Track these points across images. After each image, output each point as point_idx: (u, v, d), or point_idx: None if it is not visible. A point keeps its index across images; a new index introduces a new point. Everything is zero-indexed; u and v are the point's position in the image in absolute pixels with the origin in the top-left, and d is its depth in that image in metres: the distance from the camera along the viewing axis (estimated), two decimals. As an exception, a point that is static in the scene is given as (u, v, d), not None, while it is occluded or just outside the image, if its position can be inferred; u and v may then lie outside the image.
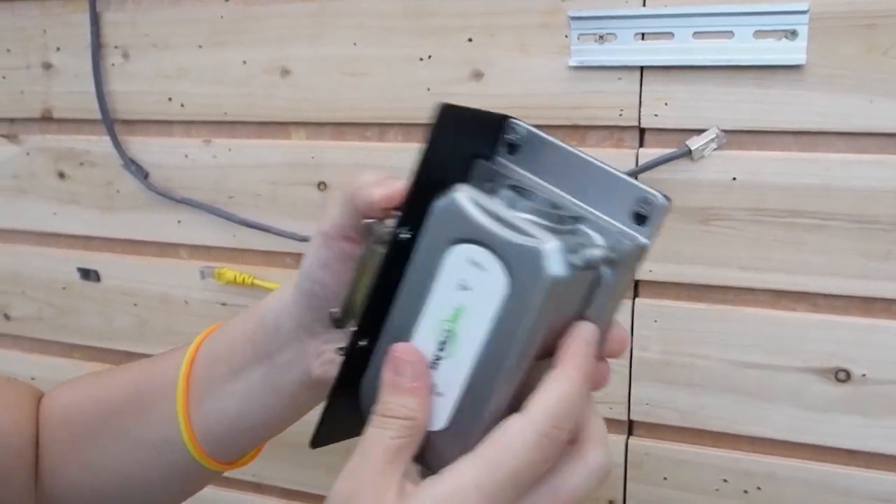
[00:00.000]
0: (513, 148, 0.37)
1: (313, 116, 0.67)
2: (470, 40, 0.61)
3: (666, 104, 0.57)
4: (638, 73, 0.57)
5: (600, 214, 0.35)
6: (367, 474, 0.31)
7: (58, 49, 0.74)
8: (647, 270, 0.60)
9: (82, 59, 0.73)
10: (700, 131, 0.56)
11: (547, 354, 0.32)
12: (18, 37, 0.75)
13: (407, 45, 0.62)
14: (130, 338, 0.79)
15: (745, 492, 0.61)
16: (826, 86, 0.53)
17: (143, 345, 0.79)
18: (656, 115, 0.57)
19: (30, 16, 0.74)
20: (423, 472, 0.33)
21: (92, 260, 0.79)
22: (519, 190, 0.34)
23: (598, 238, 0.34)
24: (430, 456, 0.33)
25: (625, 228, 0.34)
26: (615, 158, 0.58)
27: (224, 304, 0.74)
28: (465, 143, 0.36)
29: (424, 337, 0.33)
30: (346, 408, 0.36)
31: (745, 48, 0.53)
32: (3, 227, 0.82)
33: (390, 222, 0.35)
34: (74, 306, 0.81)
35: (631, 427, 0.64)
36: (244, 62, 0.68)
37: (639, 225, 0.34)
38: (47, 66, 0.75)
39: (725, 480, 0.62)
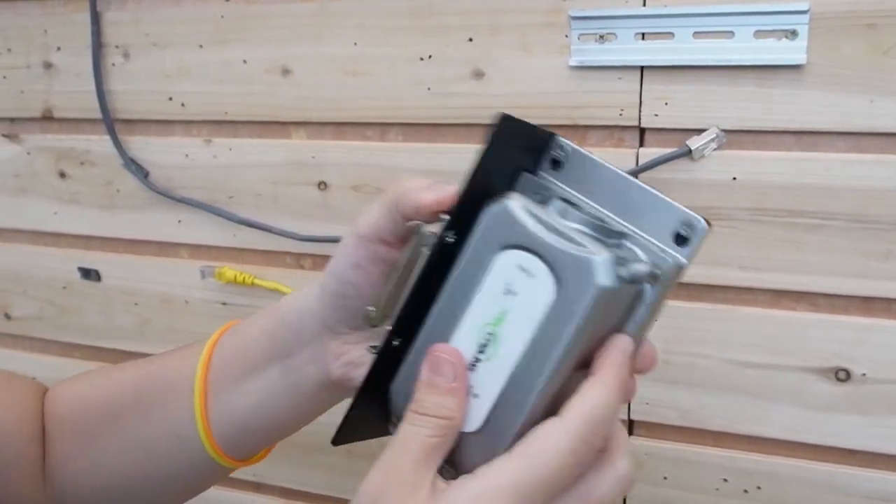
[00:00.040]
0: (556, 164, 0.38)
1: (314, 116, 0.67)
2: (471, 40, 0.61)
3: (666, 104, 0.57)
4: (638, 73, 0.57)
5: (640, 232, 0.36)
6: (401, 470, 0.32)
7: (58, 48, 0.74)
8: (648, 270, 0.60)
9: (83, 58, 0.73)
10: (700, 131, 0.56)
11: (583, 366, 0.33)
12: (19, 36, 0.75)
13: (408, 45, 0.63)
14: (131, 337, 0.79)
15: (746, 491, 0.61)
16: (826, 86, 0.53)
17: (143, 344, 0.79)
18: (656, 115, 0.57)
19: (31, 15, 0.74)
20: (448, 471, 0.33)
21: (92, 259, 0.79)
22: (568, 202, 0.35)
23: (641, 254, 0.35)
24: (459, 456, 0.33)
25: (665, 248, 0.35)
26: (615, 158, 0.58)
27: (224, 304, 0.74)
28: (515, 155, 0.37)
29: (464, 339, 0.33)
30: (370, 408, 0.37)
31: (745, 48, 0.53)
32: (4, 226, 0.82)
33: (433, 226, 0.36)
34: (75, 306, 0.81)
35: (631, 427, 0.64)
36: (245, 62, 0.68)
37: (679, 246, 0.35)
38: (48, 66, 0.75)
39: (726, 480, 0.62)
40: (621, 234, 0.35)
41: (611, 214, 0.36)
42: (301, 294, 0.43)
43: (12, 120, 0.79)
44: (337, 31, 0.64)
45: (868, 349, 0.56)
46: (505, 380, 0.32)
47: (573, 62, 0.58)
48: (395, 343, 0.35)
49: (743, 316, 0.59)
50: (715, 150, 0.56)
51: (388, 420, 0.36)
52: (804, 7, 0.52)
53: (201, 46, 0.69)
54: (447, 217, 0.35)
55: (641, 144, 0.59)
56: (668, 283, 0.35)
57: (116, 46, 0.72)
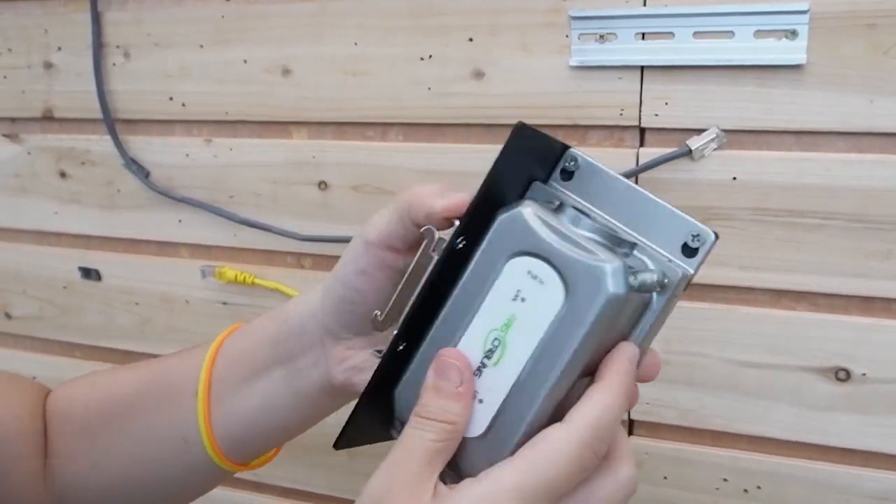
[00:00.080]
0: (567, 175, 0.38)
1: (314, 116, 0.67)
2: (471, 40, 0.61)
3: (666, 104, 0.57)
4: (638, 73, 0.57)
5: (649, 243, 0.36)
6: (405, 475, 0.32)
7: (59, 48, 0.74)
8: (648, 270, 0.60)
9: (84, 58, 0.73)
10: (700, 131, 0.56)
11: (588, 373, 0.33)
12: (20, 36, 0.75)
13: (408, 45, 0.63)
14: (131, 337, 0.79)
15: (746, 491, 0.61)
16: (827, 85, 0.53)
17: (144, 344, 0.79)
18: (657, 115, 0.57)
19: (31, 15, 0.74)
20: (452, 476, 0.33)
21: (93, 259, 0.79)
22: (580, 211, 0.35)
23: (650, 264, 0.35)
24: (461, 461, 0.34)
25: (673, 258, 0.35)
26: (616, 158, 0.58)
27: (225, 304, 0.74)
28: (528, 165, 0.37)
29: (470, 344, 0.34)
30: (373, 412, 0.37)
31: (745, 48, 0.53)
32: (5, 226, 0.82)
33: (444, 232, 0.36)
34: (75, 305, 0.81)
35: (631, 426, 0.64)
36: (245, 61, 0.68)
37: (686, 256, 0.35)
38: (48, 66, 0.75)
39: (725, 479, 0.62)
40: (631, 244, 0.36)
41: (621, 225, 0.37)
42: (305, 298, 0.43)
43: (13, 120, 0.79)
44: (337, 31, 0.64)
45: (868, 349, 0.56)
46: (510, 385, 0.33)
47: (573, 62, 0.58)
48: (401, 347, 0.36)
49: (743, 316, 0.59)
50: (715, 150, 0.56)
51: (391, 425, 0.37)
52: (804, 7, 0.52)
53: (202, 46, 0.69)
54: (458, 223, 0.35)
55: (642, 144, 0.59)
56: (675, 292, 0.35)
57: (117, 46, 0.72)
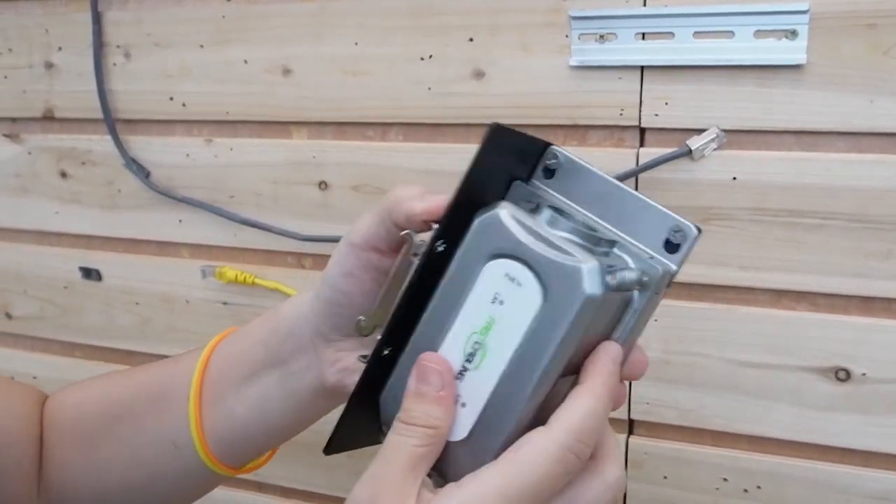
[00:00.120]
0: (549, 173, 0.38)
1: (315, 116, 0.67)
2: (471, 40, 0.61)
3: (666, 104, 0.57)
4: (638, 73, 0.57)
5: (631, 240, 0.36)
6: (388, 481, 0.32)
7: (60, 48, 0.74)
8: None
9: (84, 58, 0.73)
10: (700, 131, 0.56)
11: (571, 372, 0.33)
12: (20, 36, 0.75)
13: (408, 45, 0.63)
14: (132, 337, 0.79)
15: (745, 490, 0.61)
16: (826, 85, 0.53)
17: (144, 344, 0.79)
18: (657, 115, 0.57)
19: (32, 15, 0.75)
20: (436, 480, 0.33)
21: (93, 259, 0.79)
22: (558, 211, 0.35)
23: (630, 262, 0.35)
24: (445, 465, 0.33)
25: (655, 255, 0.35)
26: (615, 158, 0.58)
27: (225, 304, 0.74)
28: (508, 165, 0.37)
29: (452, 348, 0.33)
30: (362, 416, 0.37)
31: (745, 48, 0.53)
32: (5, 226, 0.82)
33: (425, 235, 0.36)
34: (76, 305, 0.81)
35: (631, 426, 0.64)
36: (246, 61, 0.68)
37: (669, 252, 0.35)
38: (49, 66, 0.75)
39: (725, 479, 0.62)
40: (611, 242, 0.35)
41: (602, 222, 0.36)
42: (297, 301, 0.43)
43: (13, 120, 0.79)
44: (337, 31, 0.65)
45: (868, 349, 0.56)
46: (491, 389, 0.32)
47: (573, 62, 0.58)
48: (386, 352, 0.35)
49: (743, 316, 0.59)
50: (715, 149, 0.56)
51: (380, 429, 0.36)
52: (804, 7, 0.52)
53: (202, 46, 0.69)
54: (437, 226, 0.35)
55: (642, 144, 0.59)
56: (657, 289, 0.35)
57: (118, 46, 0.72)
